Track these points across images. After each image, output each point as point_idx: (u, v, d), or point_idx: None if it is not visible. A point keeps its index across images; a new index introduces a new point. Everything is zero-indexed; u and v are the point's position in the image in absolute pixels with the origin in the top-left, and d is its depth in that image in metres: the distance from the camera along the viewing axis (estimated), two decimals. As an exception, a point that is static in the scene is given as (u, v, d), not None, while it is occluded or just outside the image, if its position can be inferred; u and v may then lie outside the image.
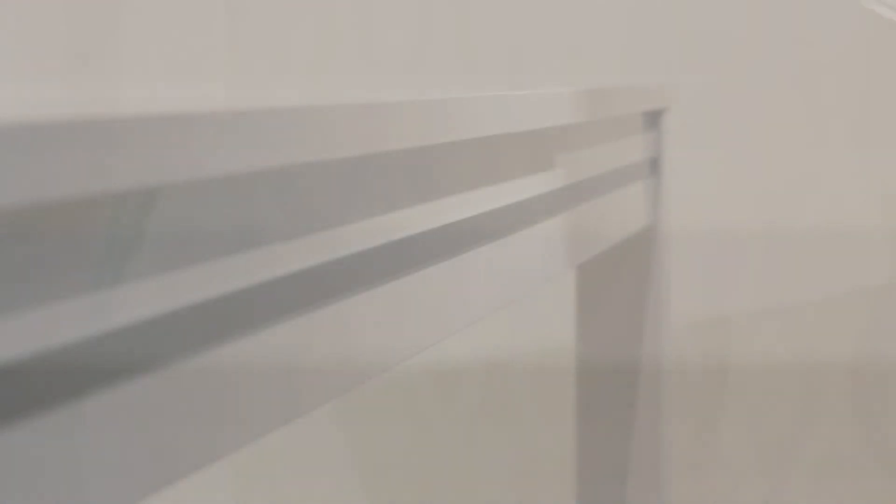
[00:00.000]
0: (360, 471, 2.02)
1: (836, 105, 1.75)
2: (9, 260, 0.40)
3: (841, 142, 1.75)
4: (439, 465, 1.94)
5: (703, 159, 1.79)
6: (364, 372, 0.65)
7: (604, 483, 1.29)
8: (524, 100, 0.81)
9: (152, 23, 2.03)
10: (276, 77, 1.99)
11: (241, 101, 0.70)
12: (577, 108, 0.95)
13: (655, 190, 1.30)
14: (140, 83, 1.87)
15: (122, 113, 0.41)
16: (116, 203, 0.44)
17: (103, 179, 0.40)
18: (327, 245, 0.60)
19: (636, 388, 1.33)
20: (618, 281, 1.31)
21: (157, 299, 0.47)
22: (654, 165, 1.29)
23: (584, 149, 1.03)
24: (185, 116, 0.44)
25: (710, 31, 1.78)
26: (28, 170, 0.37)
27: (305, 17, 1.97)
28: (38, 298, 0.41)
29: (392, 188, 0.67)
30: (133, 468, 0.46)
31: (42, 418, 0.41)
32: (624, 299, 1.31)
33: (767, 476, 1.81)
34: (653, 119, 1.28)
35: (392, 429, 1.96)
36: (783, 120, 1.77)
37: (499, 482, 1.92)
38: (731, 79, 1.78)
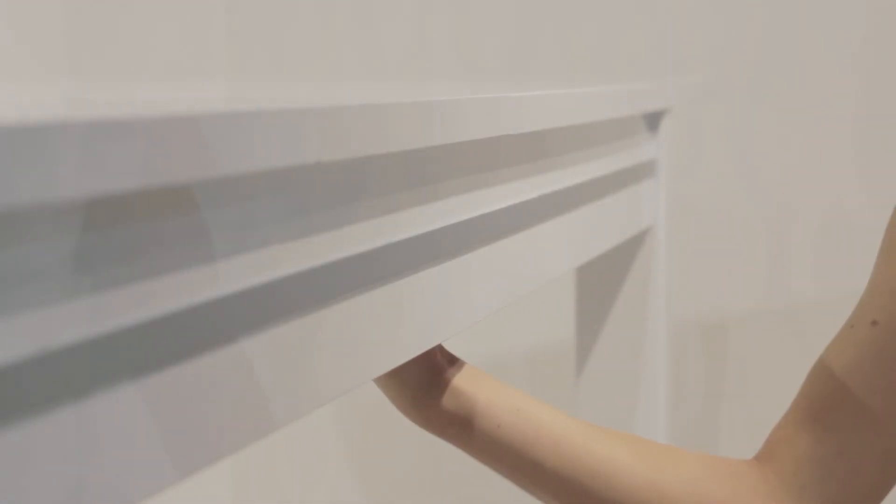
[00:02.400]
0: (360, 471, 2.02)
1: (836, 105, 1.75)
2: (10, 260, 0.40)
3: (841, 142, 1.75)
4: (439, 465, 1.94)
5: (703, 160, 1.79)
6: (364, 372, 0.65)
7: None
8: (525, 101, 0.81)
9: (152, 23, 2.03)
10: (276, 77, 1.99)
11: (241, 101, 0.70)
12: (577, 110, 0.95)
13: (655, 191, 1.30)
14: (140, 83, 1.86)
15: (123, 113, 0.41)
16: (117, 204, 0.44)
17: (104, 180, 0.40)
18: (328, 246, 0.60)
19: (636, 388, 1.33)
20: (618, 281, 1.31)
21: (158, 300, 0.47)
22: (654, 166, 1.29)
23: (584, 150, 1.03)
24: (185, 116, 0.44)
25: (711, 32, 1.78)
26: (29, 170, 0.37)
27: (305, 18, 1.97)
28: (38, 298, 0.41)
29: (392, 189, 0.67)
30: (134, 468, 0.46)
31: (42, 418, 0.41)
32: (624, 299, 1.31)
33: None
34: (653, 120, 1.28)
35: (392, 429, 1.96)
36: (783, 120, 1.77)
37: (499, 482, 1.92)
38: (731, 79, 1.78)
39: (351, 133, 0.56)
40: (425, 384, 0.81)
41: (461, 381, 0.81)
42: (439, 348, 0.81)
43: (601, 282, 1.32)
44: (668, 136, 1.31)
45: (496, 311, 0.83)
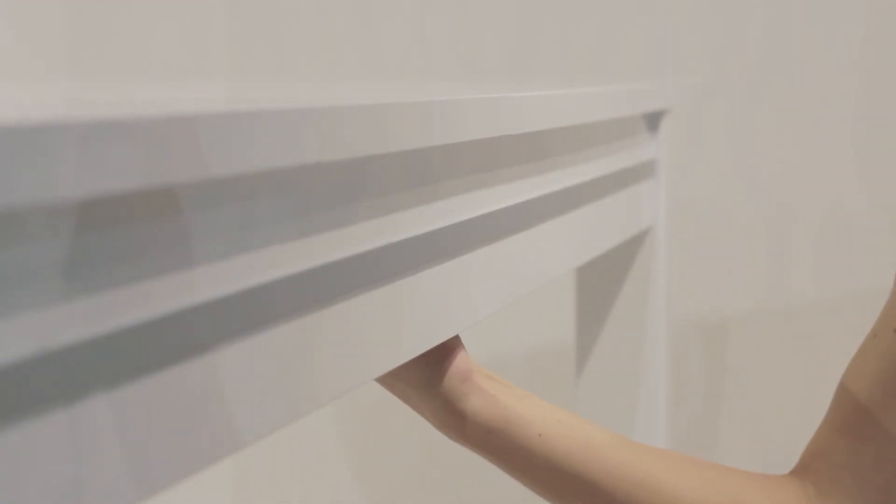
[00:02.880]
0: (360, 471, 2.02)
1: (836, 105, 1.75)
2: (10, 260, 0.40)
3: (841, 142, 1.75)
4: (439, 465, 1.94)
5: (703, 160, 1.79)
6: (364, 372, 0.65)
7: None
8: (525, 101, 0.81)
9: (152, 23, 2.03)
10: (276, 77, 1.99)
11: (241, 101, 0.70)
12: (577, 110, 0.95)
13: (655, 191, 1.30)
14: (140, 83, 1.87)
15: (123, 113, 0.41)
16: (117, 204, 0.44)
17: (104, 180, 0.40)
18: (328, 246, 0.60)
19: (636, 388, 1.33)
20: (618, 281, 1.31)
21: (158, 300, 0.47)
22: (654, 166, 1.29)
23: (584, 150, 1.03)
24: (185, 117, 0.44)
25: (711, 32, 1.78)
26: (29, 170, 0.37)
27: (305, 18, 1.97)
28: (38, 298, 0.41)
29: (392, 189, 0.67)
30: (134, 468, 0.46)
31: (42, 418, 0.41)
32: (624, 299, 1.31)
33: (767, 476, 1.81)
34: (653, 120, 1.28)
35: (392, 429, 1.96)
36: (783, 120, 1.77)
37: (499, 482, 1.92)
38: (731, 79, 1.78)
39: (351, 133, 0.56)
40: (460, 394, 0.80)
41: (496, 390, 0.81)
42: (465, 359, 0.81)
43: (601, 282, 1.32)
44: (668, 136, 1.31)
45: (496, 311, 0.83)
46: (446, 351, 0.80)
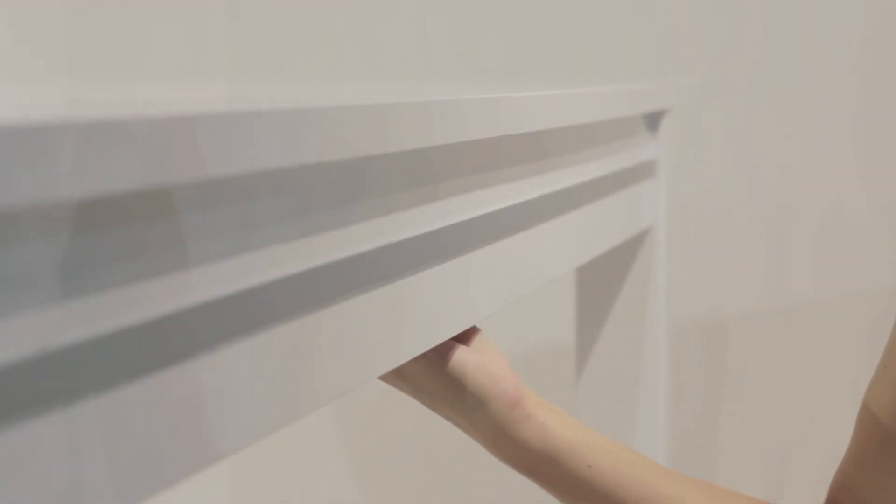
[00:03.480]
0: (360, 471, 2.02)
1: (836, 105, 1.75)
2: (10, 260, 0.40)
3: (841, 142, 1.75)
4: (439, 465, 1.94)
5: (703, 160, 1.79)
6: (364, 372, 0.65)
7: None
8: (525, 101, 0.81)
9: (152, 23, 2.03)
10: (276, 77, 1.99)
11: (241, 101, 0.70)
12: (577, 110, 0.95)
13: (655, 191, 1.30)
14: (140, 83, 1.87)
15: (122, 113, 0.41)
16: (117, 204, 0.44)
17: (104, 180, 0.40)
18: (328, 246, 0.60)
19: (636, 388, 1.33)
20: (618, 281, 1.31)
21: (158, 300, 0.47)
22: (654, 166, 1.29)
23: (584, 150, 1.03)
24: (185, 117, 0.44)
25: (711, 32, 1.78)
26: (29, 170, 0.37)
27: (305, 18, 1.97)
28: (38, 298, 0.41)
29: (392, 189, 0.67)
30: (134, 468, 0.46)
31: (42, 418, 0.41)
32: (624, 299, 1.31)
33: (768, 476, 1.81)
34: (653, 120, 1.28)
35: (392, 429, 1.96)
36: (783, 120, 1.77)
37: (499, 482, 1.92)
38: (731, 79, 1.77)
39: (351, 133, 0.56)
40: (511, 421, 0.80)
41: (546, 417, 0.81)
42: (515, 384, 0.81)
43: (601, 282, 1.32)
44: (668, 136, 1.31)
45: (496, 311, 0.83)
46: (451, 345, 0.80)
